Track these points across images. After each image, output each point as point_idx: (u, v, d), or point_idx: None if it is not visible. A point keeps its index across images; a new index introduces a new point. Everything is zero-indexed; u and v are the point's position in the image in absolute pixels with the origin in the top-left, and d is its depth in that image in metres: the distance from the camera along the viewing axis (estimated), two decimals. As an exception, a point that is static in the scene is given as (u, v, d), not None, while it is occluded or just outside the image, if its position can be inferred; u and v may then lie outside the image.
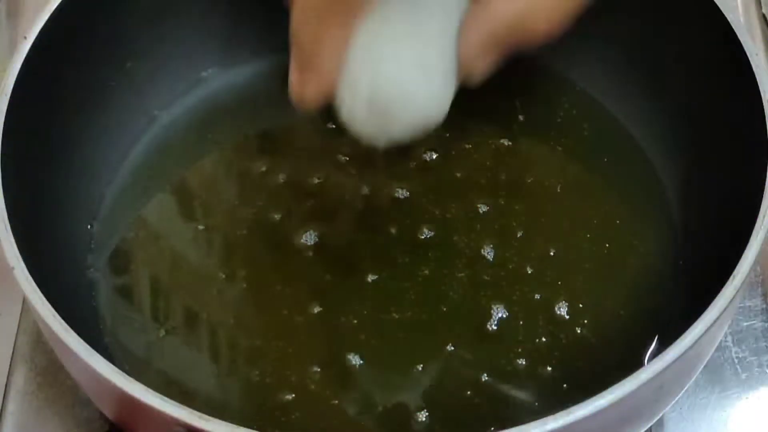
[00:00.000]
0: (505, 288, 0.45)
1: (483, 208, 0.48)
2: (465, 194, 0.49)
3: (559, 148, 0.50)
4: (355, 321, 0.45)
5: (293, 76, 0.38)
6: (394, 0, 0.38)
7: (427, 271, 0.46)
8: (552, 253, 0.47)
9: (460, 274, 0.46)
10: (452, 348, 0.44)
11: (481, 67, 0.38)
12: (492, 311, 0.45)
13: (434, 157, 0.50)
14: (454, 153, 0.50)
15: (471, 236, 0.47)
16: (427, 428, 0.42)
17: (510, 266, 0.46)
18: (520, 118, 0.51)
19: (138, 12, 0.50)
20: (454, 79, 0.38)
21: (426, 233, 0.47)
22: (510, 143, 0.50)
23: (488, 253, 0.47)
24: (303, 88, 0.38)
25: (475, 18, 0.38)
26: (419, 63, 0.38)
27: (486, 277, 0.46)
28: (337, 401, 0.43)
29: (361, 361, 0.43)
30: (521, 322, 0.44)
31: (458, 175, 0.49)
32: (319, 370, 0.43)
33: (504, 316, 0.45)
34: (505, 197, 0.48)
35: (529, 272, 0.46)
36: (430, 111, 0.38)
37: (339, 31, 0.37)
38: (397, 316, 0.45)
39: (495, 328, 0.44)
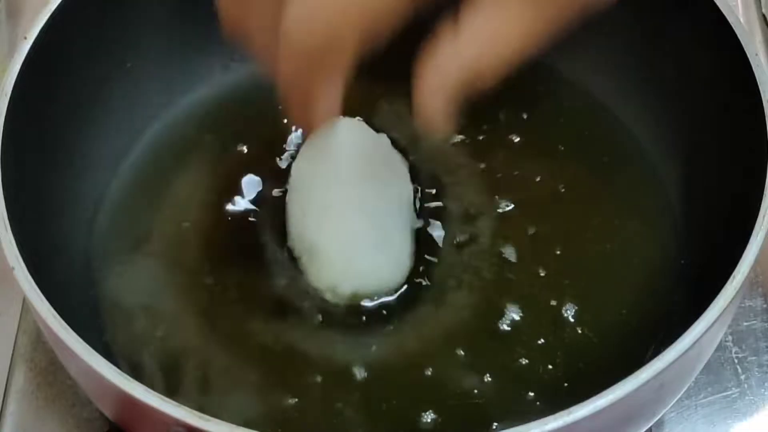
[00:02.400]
0: (507, 288, 0.45)
1: (484, 210, 0.48)
2: (466, 196, 0.49)
3: (561, 148, 0.50)
4: (356, 321, 0.45)
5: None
6: (356, 199, 0.43)
7: (429, 271, 0.46)
8: (553, 254, 0.47)
9: (463, 275, 0.46)
10: (455, 348, 0.44)
11: (442, 122, 0.37)
12: (494, 311, 0.45)
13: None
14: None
15: (473, 236, 0.47)
16: (431, 428, 0.42)
17: (511, 266, 0.46)
18: (524, 116, 0.51)
19: (137, 12, 0.50)
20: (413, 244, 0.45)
21: (428, 234, 0.47)
22: (514, 142, 0.50)
23: (489, 253, 0.47)
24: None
25: (425, 80, 0.37)
26: (393, 265, 0.44)
27: (489, 277, 0.46)
28: (340, 402, 0.42)
29: (364, 362, 0.43)
30: (524, 322, 0.44)
31: (461, 176, 0.49)
32: (321, 370, 0.43)
33: (506, 315, 0.45)
34: (506, 198, 0.48)
35: (530, 272, 0.46)
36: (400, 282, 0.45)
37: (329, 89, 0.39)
38: (398, 316, 0.45)
39: (498, 327, 0.44)
